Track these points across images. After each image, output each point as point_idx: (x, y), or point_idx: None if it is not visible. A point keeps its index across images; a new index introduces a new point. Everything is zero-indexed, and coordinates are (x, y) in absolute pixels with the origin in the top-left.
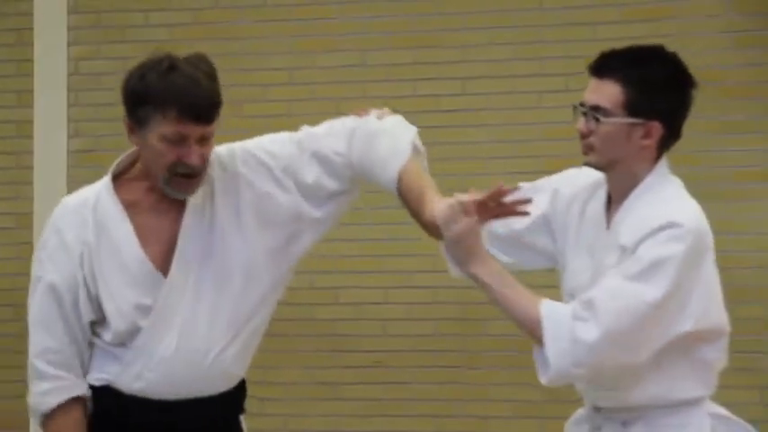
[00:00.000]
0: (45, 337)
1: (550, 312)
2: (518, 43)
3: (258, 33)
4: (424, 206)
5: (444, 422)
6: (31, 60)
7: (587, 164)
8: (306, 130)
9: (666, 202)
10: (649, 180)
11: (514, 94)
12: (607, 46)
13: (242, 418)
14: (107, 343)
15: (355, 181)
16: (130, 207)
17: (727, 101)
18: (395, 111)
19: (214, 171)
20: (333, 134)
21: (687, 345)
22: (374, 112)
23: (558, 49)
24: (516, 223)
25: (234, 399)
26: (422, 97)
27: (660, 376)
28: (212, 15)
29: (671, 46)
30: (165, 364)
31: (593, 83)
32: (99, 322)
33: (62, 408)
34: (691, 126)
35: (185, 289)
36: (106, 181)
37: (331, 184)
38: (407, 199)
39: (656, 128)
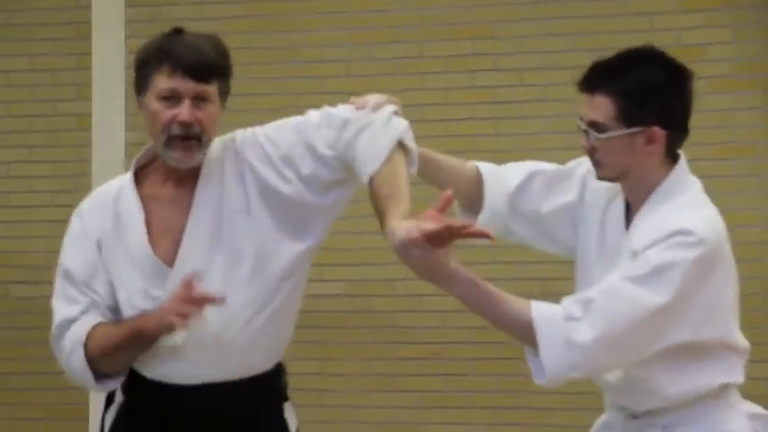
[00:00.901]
0: (62, 311)
1: (542, 316)
2: (575, 34)
3: (314, 25)
4: (383, 220)
5: (503, 414)
6: (89, 54)
7: (600, 179)
8: (307, 118)
9: (682, 209)
10: (666, 186)
11: (571, 85)
12: (666, 35)
13: (287, 406)
14: None
15: (351, 171)
16: (147, 199)
17: None
18: (450, 104)
19: (227, 155)
20: (327, 124)
21: (705, 349)
22: (372, 102)
23: (615, 39)
24: (542, 206)
25: (265, 385)
26: (479, 88)
27: (685, 370)
28: (268, 8)
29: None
30: (178, 352)
31: (586, 99)
32: (116, 310)
33: (94, 328)
34: None
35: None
36: (129, 173)
37: (327, 174)
38: (373, 203)
39: (658, 133)
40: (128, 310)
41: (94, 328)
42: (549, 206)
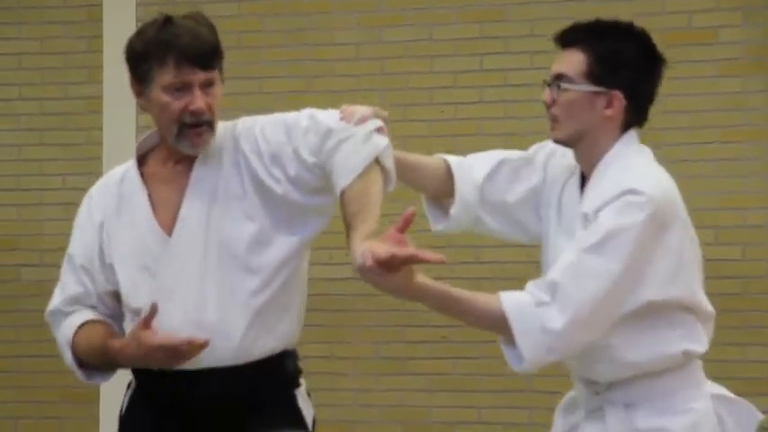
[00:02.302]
0: (56, 297)
1: (513, 306)
2: (586, 16)
3: (325, 8)
4: (348, 236)
5: (512, 397)
6: (100, 37)
7: (555, 140)
8: (297, 120)
9: (630, 170)
10: (616, 148)
11: None
12: (677, 18)
13: (301, 394)
14: (130, 315)
15: (329, 181)
16: (149, 177)
17: None
18: (460, 87)
19: (227, 141)
20: (313, 130)
21: (666, 312)
22: (359, 114)
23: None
24: (508, 195)
25: (272, 371)
26: (489, 72)
27: (645, 335)
28: None
29: None
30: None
31: (560, 54)
32: (115, 296)
33: (80, 328)
34: None
35: (189, 257)
36: (133, 157)
37: (310, 179)
38: (343, 218)
39: (618, 97)
40: (127, 286)
41: (81, 328)
42: (515, 194)
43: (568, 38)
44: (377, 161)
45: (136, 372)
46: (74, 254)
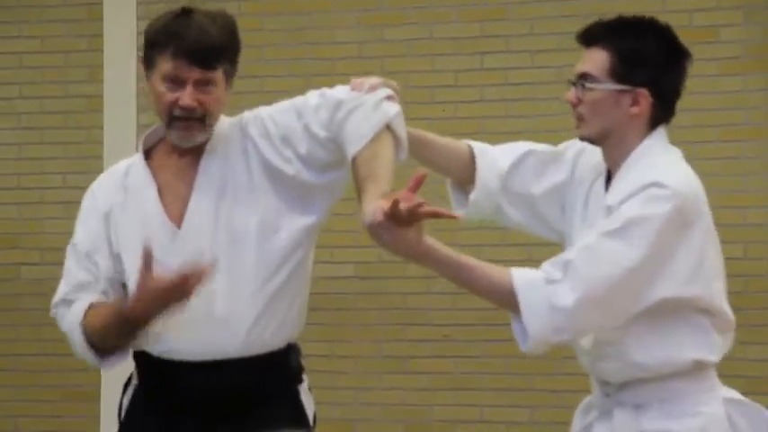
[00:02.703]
0: (62, 287)
1: (523, 281)
2: (587, 15)
3: (325, 7)
4: (362, 200)
5: (514, 396)
6: (101, 35)
7: (581, 138)
8: (306, 99)
9: (657, 167)
10: (643, 146)
11: None
12: (678, 16)
13: (303, 389)
14: None
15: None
16: (156, 171)
17: None
18: (460, 86)
19: (234, 132)
20: (323, 106)
21: (683, 313)
22: (368, 84)
23: None
24: (534, 187)
25: (277, 365)
26: (490, 70)
27: (657, 337)
28: None
29: None
30: (185, 326)
31: (583, 53)
32: (121, 285)
33: (89, 309)
34: None
35: (198, 249)
36: (139, 151)
37: (323, 155)
38: (355, 184)
39: (644, 95)
40: (135, 277)
41: (90, 307)
42: (541, 187)
43: (590, 36)
44: (388, 128)
45: (139, 368)
46: (78, 242)
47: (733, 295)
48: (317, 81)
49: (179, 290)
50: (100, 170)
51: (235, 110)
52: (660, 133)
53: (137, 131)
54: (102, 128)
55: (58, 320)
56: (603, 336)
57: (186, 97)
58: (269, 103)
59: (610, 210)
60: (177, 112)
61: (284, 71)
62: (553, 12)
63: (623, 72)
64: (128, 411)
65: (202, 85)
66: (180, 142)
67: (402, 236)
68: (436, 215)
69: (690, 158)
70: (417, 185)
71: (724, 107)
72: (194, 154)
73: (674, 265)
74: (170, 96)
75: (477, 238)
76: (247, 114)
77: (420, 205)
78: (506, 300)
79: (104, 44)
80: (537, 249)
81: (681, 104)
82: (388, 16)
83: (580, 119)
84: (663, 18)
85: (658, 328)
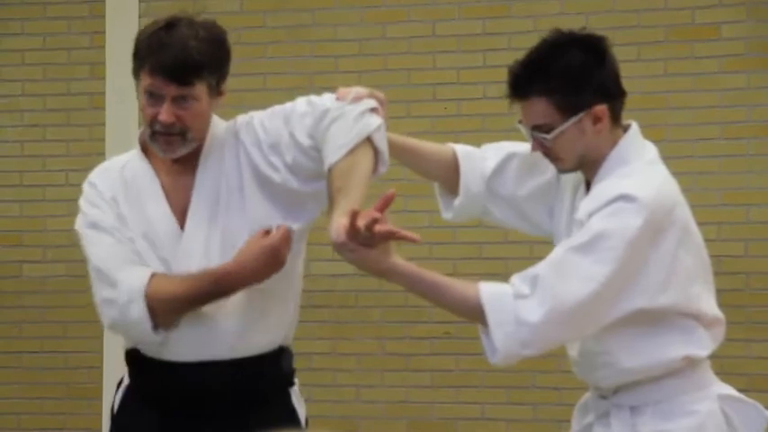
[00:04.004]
0: (102, 263)
1: (491, 296)
2: (590, 12)
3: (327, 4)
4: (331, 214)
5: (516, 393)
6: (103, 33)
7: (563, 173)
8: (294, 107)
9: (626, 177)
10: (614, 155)
11: None
12: (680, 14)
13: (294, 393)
14: None
15: None
16: (156, 168)
17: None
18: (463, 84)
19: (228, 136)
20: (309, 114)
21: (665, 317)
22: (353, 94)
23: (631, 18)
24: (519, 189)
25: (269, 367)
26: (492, 68)
27: (644, 342)
28: None
29: None
30: (177, 326)
31: (521, 105)
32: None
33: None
34: None
35: (197, 247)
36: (137, 147)
37: (308, 164)
38: (328, 195)
39: (600, 109)
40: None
41: (154, 277)
42: (526, 189)
43: (520, 88)
44: (369, 141)
45: (133, 366)
46: (98, 220)
47: (734, 293)
48: (319, 78)
49: (283, 251)
50: None
51: (237, 108)
52: (631, 135)
53: (139, 129)
54: (104, 125)
55: (106, 298)
56: (591, 346)
57: (164, 113)
58: (271, 100)
59: (580, 223)
60: (157, 127)
61: (286, 68)
62: (556, 9)
63: (571, 104)
64: (119, 411)
65: (180, 101)
66: (162, 155)
67: (365, 254)
68: (394, 236)
69: (692, 156)
70: (385, 205)
71: (726, 104)
72: (190, 159)
73: (644, 276)
74: (150, 111)
75: (477, 236)
76: (241, 119)
77: (375, 221)
78: (475, 314)
79: (107, 42)
80: (538, 247)
81: (683, 102)
82: (390, 13)
83: (555, 159)
84: (665, 15)
85: (644, 334)
